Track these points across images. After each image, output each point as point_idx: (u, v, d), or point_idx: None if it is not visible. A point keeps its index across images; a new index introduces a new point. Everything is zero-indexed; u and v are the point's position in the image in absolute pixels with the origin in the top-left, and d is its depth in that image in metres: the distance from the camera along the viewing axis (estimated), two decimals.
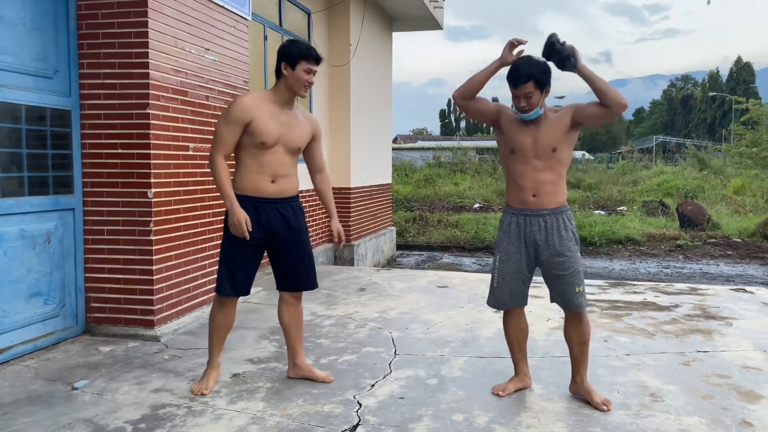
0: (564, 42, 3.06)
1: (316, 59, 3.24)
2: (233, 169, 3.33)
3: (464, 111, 3.26)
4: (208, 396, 3.28)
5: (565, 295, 3.17)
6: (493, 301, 3.35)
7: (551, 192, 3.15)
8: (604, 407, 3.11)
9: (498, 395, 3.30)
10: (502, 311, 3.42)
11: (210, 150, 3.26)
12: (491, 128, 3.36)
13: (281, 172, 3.27)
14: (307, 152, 3.48)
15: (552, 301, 3.29)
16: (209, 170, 3.37)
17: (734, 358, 3.93)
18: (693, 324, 4.76)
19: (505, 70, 3.13)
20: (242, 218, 3.15)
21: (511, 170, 3.22)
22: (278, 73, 3.26)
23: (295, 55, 3.19)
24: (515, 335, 3.37)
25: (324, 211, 8.56)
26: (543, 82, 3.06)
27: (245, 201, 3.23)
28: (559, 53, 3.05)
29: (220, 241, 3.39)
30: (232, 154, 3.29)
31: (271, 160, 3.23)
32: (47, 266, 4.10)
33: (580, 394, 3.25)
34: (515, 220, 3.22)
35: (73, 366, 3.75)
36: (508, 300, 3.29)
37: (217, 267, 4.93)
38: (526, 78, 3.03)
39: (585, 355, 3.24)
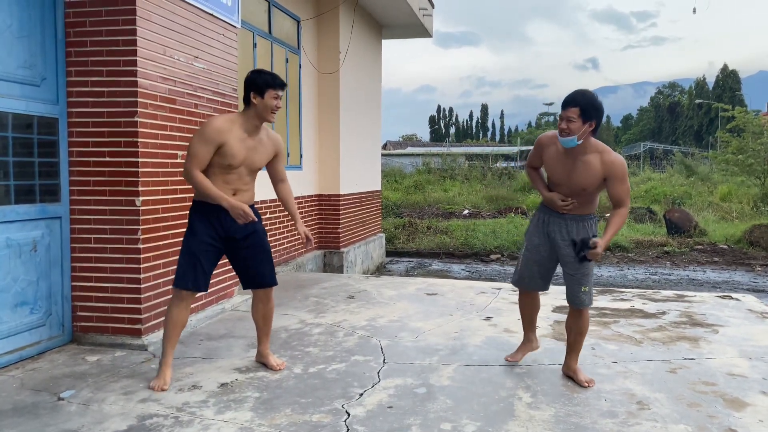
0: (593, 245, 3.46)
1: (282, 86, 3.55)
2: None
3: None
4: (195, 406, 3.27)
5: (572, 292, 3.61)
6: (515, 280, 3.88)
7: (579, 208, 3.58)
8: (586, 384, 3.56)
9: (512, 361, 3.94)
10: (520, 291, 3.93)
11: (185, 165, 3.48)
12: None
13: (242, 187, 3.60)
14: (270, 167, 3.81)
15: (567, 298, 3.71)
16: (188, 183, 3.61)
17: (720, 366, 3.96)
18: (679, 331, 4.79)
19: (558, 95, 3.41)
20: (244, 206, 3.45)
21: (551, 187, 3.68)
22: (247, 101, 3.55)
23: (261, 84, 3.50)
24: (527, 312, 3.95)
25: (310, 220, 8.56)
26: (588, 114, 3.32)
27: (209, 207, 3.51)
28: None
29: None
30: None
31: (235, 178, 3.55)
32: (33, 275, 4.07)
33: (569, 373, 3.70)
34: (543, 217, 3.68)
35: (59, 376, 3.72)
36: (526, 283, 3.81)
37: None
38: (573, 103, 3.35)
39: (579, 344, 3.70)
